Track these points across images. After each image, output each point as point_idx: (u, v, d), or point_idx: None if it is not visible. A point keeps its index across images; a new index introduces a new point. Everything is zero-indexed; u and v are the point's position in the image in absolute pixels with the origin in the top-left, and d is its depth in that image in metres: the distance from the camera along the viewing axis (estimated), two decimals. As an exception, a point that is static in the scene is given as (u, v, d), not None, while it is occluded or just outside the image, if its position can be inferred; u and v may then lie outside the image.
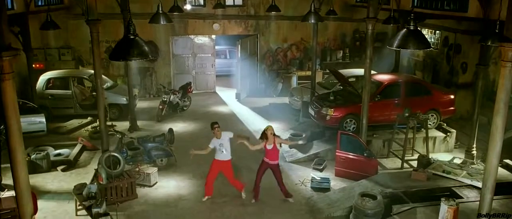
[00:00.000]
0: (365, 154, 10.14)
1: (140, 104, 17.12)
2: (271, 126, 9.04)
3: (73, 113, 15.05)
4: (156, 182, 10.28)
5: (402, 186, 8.94)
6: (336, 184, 10.20)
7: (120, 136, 10.73)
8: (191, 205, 9.27)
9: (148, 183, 10.09)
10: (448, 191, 8.70)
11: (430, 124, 12.08)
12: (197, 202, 9.41)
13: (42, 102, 14.63)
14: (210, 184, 9.27)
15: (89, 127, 14.31)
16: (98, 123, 14.21)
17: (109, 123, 14.00)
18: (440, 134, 12.30)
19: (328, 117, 12.02)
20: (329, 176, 10.41)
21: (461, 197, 8.35)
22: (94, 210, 7.80)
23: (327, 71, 17.31)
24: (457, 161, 10.09)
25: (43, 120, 13.59)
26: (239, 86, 18.25)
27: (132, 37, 4.74)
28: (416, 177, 9.16)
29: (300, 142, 10.41)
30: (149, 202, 9.43)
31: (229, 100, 18.05)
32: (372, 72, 13.27)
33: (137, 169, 10.18)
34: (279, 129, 14.05)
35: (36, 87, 14.84)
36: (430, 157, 10.48)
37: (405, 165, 11.13)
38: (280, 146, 9.04)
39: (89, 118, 14.84)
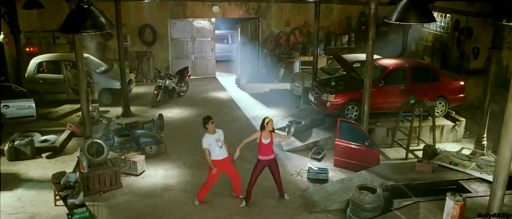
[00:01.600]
0: (366, 143, 9.46)
1: (137, 89, 16.55)
2: (271, 120, 8.11)
3: (65, 98, 14.52)
4: (144, 171, 9.71)
5: (405, 178, 8.25)
6: (334, 175, 9.54)
7: (106, 122, 10.13)
8: (178, 196, 8.68)
9: (135, 172, 9.52)
10: (455, 184, 7.99)
11: (437, 112, 11.33)
12: (184, 192, 8.82)
13: (33, 87, 14.13)
14: (208, 189, 8.35)
15: (81, 112, 13.72)
16: (91, 108, 13.80)
17: (93, 108, 13.48)
18: (448, 123, 11.54)
19: (328, 103, 11.32)
20: (328, 166, 9.75)
21: (469, 191, 7.64)
22: (69, 201, 7.23)
23: (331, 56, 16.54)
24: (466, 151, 9.33)
25: (33, 104, 13.07)
26: (239, 71, 17.60)
27: (86, 6, 4.06)
28: (420, 168, 8.45)
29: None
30: (134, 192, 8.86)
31: (228, 86, 17.40)
32: (377, 57, 12.59)
33: (123, 157, 9.61)
34: (279, 115, 13.43)
35: (27, 71, 14.32)
36: (436, 147, 9.76)
37: (410, 155, 10.43)
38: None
39: (81, 103, 14.25)
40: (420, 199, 7.36)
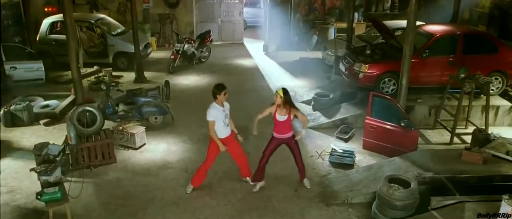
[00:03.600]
0: (402, 124, 7.87)
1: (157, 54, 15.53)
2: (283, 90, 6.56)
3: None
4: (144, 144, 8.61)
5: (448, 169, 6.66)
6: (362, 159, 8.07)
7: (104, 87, 9.04)
8: (175, 176, 7.52)
9: (133, 145, 8.43)
10: (512, 180, 6.37)
11: (492, 89, 9.51)
12: (183, 172, 7.65)
13: (45, 48, 13.35)
14: (206, 172, 7.06)
15: (93, 77, 12.79)
16: (103, 72, 12.86)
17: (106, 72, 12.51)
18: (505, 103, 9.66)
19: (361, 75, 9.73)
20: (355, 149, 8.28)
21: (532, 191, 6.00)
22: (42, 178, 6.18)
23: (370, 23, 14.70)
24: (527, 139, 7.58)
25: (41, 66, 12.32)
26: (267, 37, 16.14)
27: None
28: (468, 158, 6.83)
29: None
30: (128, 168, 7.78)
31: (255, 53, 16.06)
32: (422, 23, 10.81)
33: (120, 128, 8.52)
34: (306, 87, 11.96)
35: (39, 32, 13.50)
36: (489, 132, 8.03)
37: (456, 140, 8.76)
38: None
39: (95, 67, 13.33)
40: (466, 198, 5.79)
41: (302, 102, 10.79)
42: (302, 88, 11.92)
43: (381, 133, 8.14)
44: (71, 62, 7.95)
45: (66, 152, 7.56)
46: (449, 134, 8.80)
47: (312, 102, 10.43)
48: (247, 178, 7.20)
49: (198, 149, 8.47)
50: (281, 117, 6.56)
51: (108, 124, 9.00)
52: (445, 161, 7.01)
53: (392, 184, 5.98)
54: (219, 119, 6.62)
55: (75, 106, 8.02)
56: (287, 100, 6.53)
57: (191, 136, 9.01)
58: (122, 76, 13.02)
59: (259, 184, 7.04)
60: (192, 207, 6.66)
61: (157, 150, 8.47)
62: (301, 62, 14.66)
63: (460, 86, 8.72)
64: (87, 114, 8.01)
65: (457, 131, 8.77)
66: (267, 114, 6.73)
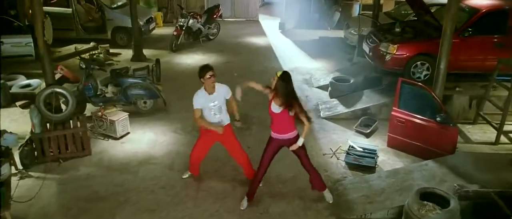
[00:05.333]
0: (437, 118, 6.34)
1: (162, 30, 14.25)
2: (284, 73, 4.97)
3: (74, 36, 12.45)
4: (127, 133, 7.35)
5: (498, 180, 5.16)
6: (385, 160, 6.60)
7: (84, 66, 7.76)
8: (157, 174, 6.22)
9: (114, 133, 7.16)
10: None
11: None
12: (168, 169, 6.35)
13: (38, 22, 12.09)
14: (197, 163, 5.93)
15: (88, 54, 11.56)
16: (99, 49, 11.66)
17: (102, 49, 11.27)
18: None
19: (388, 57, 8.17)
20: (377, 147, 6.81)
21: None
22: (-17, 176, 4.98)
23: (401, -2, 13.01)
24: None
25: (31, 41, 11.09)
26: (284, 14, 14.61)
27: None
28: (524, 166, 5.32)
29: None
30: (103, 163, 6.53)
31: (270, 31, 14.61)
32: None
33: (99, 114, 7.25)
34: (324, 69, 10.47)
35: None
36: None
37: (503, 138, 7.17)
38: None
39: (92, 43, 12.12)
40: (526, 224, 4.32)
41: (318, 87, 9.33)
42: (319, 71, 10.43)
43: (411, 128, 6.62)
44: (37, 35, 6.65)
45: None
46: (495, 131, 7.19)
47: (329, 88, 8.97)
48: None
49: (189, 140, 7.14)
50: (275, 107, 5.04)
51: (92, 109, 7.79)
52: (494, 168, 5.50)
53: (426, 202, 4.52)
54: (205, 108, 5.38)
55: (46, 87, 6.77)
56: (284, 87, 4.90)
57: (184, 125, 7.69)
58: (119, 54, 11.78)
59: (245, 203, 5.50)
60: (170, 216, 5.35)
61: (141, 140, 7.19)
62: (321, 41, 13.14)
63: (511, 73, 7.10)
64: (56, 96, 6.75)
65: (506, 127, 7.15)
66: (259, 89, 5.34)
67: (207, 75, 5.24)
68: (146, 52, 11.54)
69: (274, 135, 5.24)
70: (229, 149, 5.74)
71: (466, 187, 5.02)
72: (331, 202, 5.52)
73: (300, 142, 5.13)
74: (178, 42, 12.02)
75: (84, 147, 6.66)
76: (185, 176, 6.04)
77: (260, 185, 5.59)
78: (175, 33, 11.97)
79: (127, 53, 11.66)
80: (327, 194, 5.57)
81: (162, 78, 8.91)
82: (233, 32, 14.15)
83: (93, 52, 11.54)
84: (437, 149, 6.32)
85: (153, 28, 13.25)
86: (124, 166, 6.43)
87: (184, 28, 12.03)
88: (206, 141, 5.64)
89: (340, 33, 13.10)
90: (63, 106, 7.08)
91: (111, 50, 11.81)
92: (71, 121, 6.74)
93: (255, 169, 5.63)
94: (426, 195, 4.70)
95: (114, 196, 5.73)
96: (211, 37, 13.10)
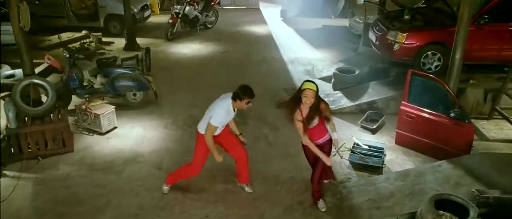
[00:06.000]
0: (452, 114, 5.76)
1: (158, 18, 13.64)
2: (313, 84, 4.43)
3: (65, 24, 11.87)
4: (114, 128, 6.82)
5: (521, 184, 4.60)
6: (393, 159, 6.04)
7: (68, 55, 7.20)
8: (144, 174, 5.69)
9: (99, 128, 6.62)
10: None
11: None
12: (155, 169, 5.82)
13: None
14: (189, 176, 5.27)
15: (78, 43, 11.00)
16: (91, 38, 11.09)
17: (94, 37, 10.71)
18: None
19: (396, 46, 7.56)
20: (385, 144, 6.24)
21: None
22: None
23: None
24: None
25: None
26: (285, 2, 13.99)
27: None
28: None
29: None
30: (86, 161, 6.00)
31: (271, 19, 13.99)
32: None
33: (83, 107, 6.71)
34: (327, 60, 9.88)
35: (22, -11, 11.70)
36: None
37: (522, 135, 6.62)
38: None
39: (84, 32, 11.55)
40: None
41: (320, 78, 8.74)
42: (321, 62, 9.83)
43: (422, 124, 6.05)
44: (12, 21, 6.10)
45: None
46: (512, 127, 6.64)
47: (333, 80, 8.39)
48: (244, 185, 5.29)
49: (180, 136, 6.62)
50: (311, 124, 4.56)
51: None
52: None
53: (442, 212, 3.96)
54: (222, 125, 4.82)
55: (24, 78, 6.23)
56: (320, 100, 4.51)
57: (175, 119, 7.15)
58: (112, 42, 11.20)
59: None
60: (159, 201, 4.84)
61: (129, 136, 6.66)
62: (324, 30, 12.51)
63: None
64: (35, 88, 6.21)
65: (525, 124, 6.59)
66: (301, 124, 4.54)
67: (247, 100, 4.64)
68: (140, 41, 10.97)
69: (317, 141, 4.70)
70: (230, 149, 5.09)
71: (486, 192, 4.44)
72: (324, 210, 4.95)
73: (335, 136, 4.74)
74: (174, 31, 11.43)
75: (65, 144, 6.13)
76: (166, 191, 5.27)
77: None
78: (170, 21, 11.37)
79: (120, 42, 11.08)
80: (321, 204, 5.00)
81: (156, 69, 8.38)
82: (232, 20, 13.54)
83: (85, 41, 10.97)
84: (451, 148, 5.76)
85: (149, 16, 12.65)
86: (108, 165, 5.90)
87: (180, 16, 11.43)
88: (206, 149, 4.89)
89: (345, 22, 12.46)
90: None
91: (104, 39, 11.23)
92: (51, 115, 6.22)
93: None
94: (442, 203, 4.14)
95: (94, 198, 5.20)
96: (209, 26, 12.51)
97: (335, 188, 5.36)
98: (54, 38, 11.20)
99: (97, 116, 6.55)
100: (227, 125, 5.01)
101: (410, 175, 5.28)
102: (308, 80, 4.53)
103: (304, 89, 4.39)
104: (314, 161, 4.78)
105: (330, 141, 4.75)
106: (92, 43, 10.74)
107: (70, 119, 6.87)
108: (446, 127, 5.83)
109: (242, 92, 4.60)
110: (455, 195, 4.23)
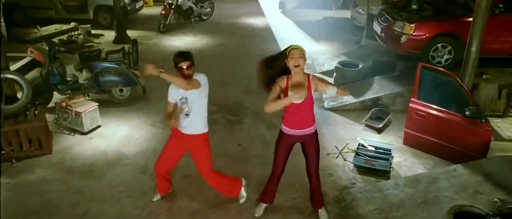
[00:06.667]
0: (467, 112, 5.22)
1: (152, 9, 13.16)
2: (299, 48, 3.79)
3: (53, 16, 11.32)
4: (98, 126, 6.28)
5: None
6: (401, 161, 5.51)
7: (48, 48, 6.64)
8: (127, 179, 5.15)
9: (80, 127, 6.08)
10: None
11: None
12: (139, 173, 5.28)
13: (13, 0, 10.98)
14: (164, 174, 4.56)
15: (65, 36, 10.44)
16: (79, 30, 10.55)
17: (82, 29, 10.17)
18: None
19: (404, 38, 7.02)
20: (392, 145, 5.70)
21: None
22: None
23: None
24: None
25: (1, 21, 10.00)
26: (284, -8, 13.44)
27: None
28: None
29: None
30: (64, 164, 5.46)
31: (269, 11, 13.43)
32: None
33: (63, 104, 6.17)
34: (328, 53, 9.34)
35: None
36: None
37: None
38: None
39: (72, 24, 11.00)
40: None
41: (321, 73, 8.21)
42: (322, 55, 9.30)
43: (433, 123, 5.52)
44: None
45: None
46: (531, 127, 6.11)
47: (334, 74, 7.86)
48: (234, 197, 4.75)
49: (169, 136, 6.04)
50: (295, 95, 3.68)
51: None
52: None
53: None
54: (174, 99, 4.21)
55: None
56: (302, 64, 3.79)
57: (164, 116, 6.59)
58: (102, 35, 10.67)
59: (263, 206, 4.52)
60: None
61: (113, 135, 6.12)
62: (325, 22, 11.98)
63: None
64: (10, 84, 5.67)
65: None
66: (278, 92, 3.85)
67: (182, 65, 4.04)
68: (131, 33, 10.43)
69: (288, 130, 4.01)
70: (198, 163, 4.38)
71: (510, 202, 3.93)
72: None
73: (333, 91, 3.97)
74: (167, 23, 10.88)
75: (42, 144, 5.59)
76: (155, 199, 4.69)
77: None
78: (163, 12, 10.81)
79: (110, 35, 10.53)
80: (323, 214, 4.45)
81: (146, 62, 7.77)
82: (228, 12, 12.99)
83: (73, 33, 10.42)
84: (465, 149, 5.24)
85: (141, 7, 12.10)
86: (88, 168, 5.36)
87: (173, 7, 10.87)
88: (175, 146, 4.36)
89: (347, 14, 11.93)
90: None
91: (93, 32, 10.68)
92: (27, 113, 5.68)
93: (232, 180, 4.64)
94: (461, 215, 3.62)
95: (70, 207, 4.67)
96: (204, 17, 11.95)
97: (339, 194, 4.84)
98: (41, 30, 10.65)
99: (78, 114, 6.00)
100: (202, 138, 4.27)
101: (422, 181, 4.74)
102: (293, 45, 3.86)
103: (290, 50, 3.75)
104: (286, 151, 4.14)
105: (315, 136, 4.05)
106: (80, 36, 10.20)
107: (51, 117, 6.37)
108: (460, 126, 5.30)
109: (174, 59, 4.04)
110: (476, 206, 3.71)
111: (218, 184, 4.53)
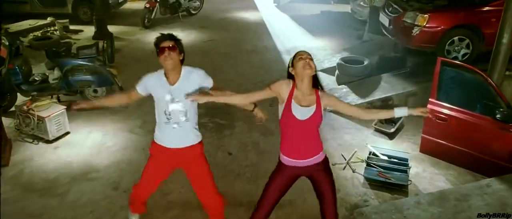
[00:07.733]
0: (497, 115, 4.42)
1: (137, 4, 12.31)
2: (308, 55, 2.91)
3: (28, 10, 10.41)
4: (66, 133, 5.42)
5: None
6: (420, 172, 4.72)
7: (8, 43, 5.78)
8: (94, 197, 4.31)
9: (45, 135, 5.23)
10: None
11: None
12: (111, 189, 4.45)
13: (-16, -7, 10.06)
14: (142, 197, 3.65)
15: (40, 32, 9.55)
16: (56, 25, 9.67)
17: (59, 24, 9.31)
18: None
19: (416, 30, 6.23)
20: (409, 154, 4.91)
21: None
22: None
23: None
24: None
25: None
26: (279, -15, 12.65)
27: None
28: None
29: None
30: (21, 179, 4.61)
31: (263, 4, 12.67)
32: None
33: (25, 108, 5.30)
34: (328, 49, 8.55)
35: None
36: None
37: None
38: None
39: (49, 19, 10.10)
40: None
41: (322, 70, 7.40)
42: (322, 51, 8.51)
43: (456, 128, 4.71)
44: None
45: None
46: None
47: (337, 71, 7.06)
48: None
49: (148, 144, 5.16)
50: (302, 109, 2.90)
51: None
52: None
53: None
54: (159, 99, 3.30)
55: None
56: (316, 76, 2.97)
57: (145, 120, 5.78)
58: (81, 31, 9.80)
59: None
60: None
61: (83, 144, 5.27)
62: (323, 16, 11.22)
63: None
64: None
65: None
66: (263, 97, 3.07)
67: (164, 46, 3.20)
68: (112, 29, 9.56)
69: (289, 161, 3.06)
70: (195, 183, 3.47)
71: None
72: None
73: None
74: (152, 17, 10.04)
75: (-3, 155, 4.73)
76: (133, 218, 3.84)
77: None
78: (147, 5, 9.96)
79: (90, 30, 9.65)
80: None
81: (128, 60, 7.06)
82: (219, 5, 12.19)
83: (49, 29, 9.55)
84: (495, 159, 4.45)
85: (124, 1, 11.25)
86: (49, 184, 4.51)
87: (159, 0, 10.02)
88: (158, 167, 3.45)
89: (346, 7, 11.17)
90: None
91: (72, 27, 9.81)
92: (-22, 119, 4.82)
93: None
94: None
95: (22, 234, 3.83)
96: (193, 12, 11.12)
97: (349, 215, 4.03)
98: (13, 26, 9.75)
99: (41, 119, 5.15)
100: (197, 149, 3.37)
101: (449, 198, 3.94)
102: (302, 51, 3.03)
103: (296, 54, 2.94)
104: (282, 185, 3.16)
105: (324, 166, 3.13)
106: (56, 31, 9.33)
107: (11, 123, 5.52)
108: (489, 132, 4.50)
109: (155, 45, 3.29)
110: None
111: (216, 204, 3.59)
